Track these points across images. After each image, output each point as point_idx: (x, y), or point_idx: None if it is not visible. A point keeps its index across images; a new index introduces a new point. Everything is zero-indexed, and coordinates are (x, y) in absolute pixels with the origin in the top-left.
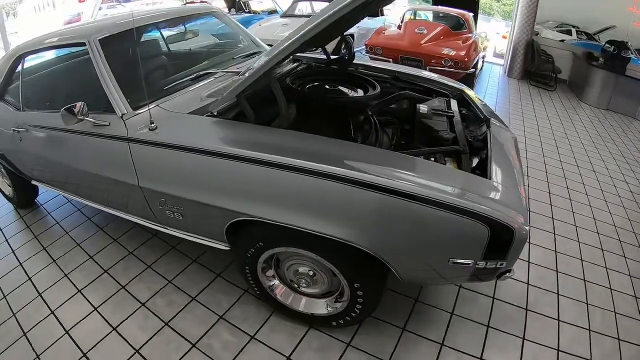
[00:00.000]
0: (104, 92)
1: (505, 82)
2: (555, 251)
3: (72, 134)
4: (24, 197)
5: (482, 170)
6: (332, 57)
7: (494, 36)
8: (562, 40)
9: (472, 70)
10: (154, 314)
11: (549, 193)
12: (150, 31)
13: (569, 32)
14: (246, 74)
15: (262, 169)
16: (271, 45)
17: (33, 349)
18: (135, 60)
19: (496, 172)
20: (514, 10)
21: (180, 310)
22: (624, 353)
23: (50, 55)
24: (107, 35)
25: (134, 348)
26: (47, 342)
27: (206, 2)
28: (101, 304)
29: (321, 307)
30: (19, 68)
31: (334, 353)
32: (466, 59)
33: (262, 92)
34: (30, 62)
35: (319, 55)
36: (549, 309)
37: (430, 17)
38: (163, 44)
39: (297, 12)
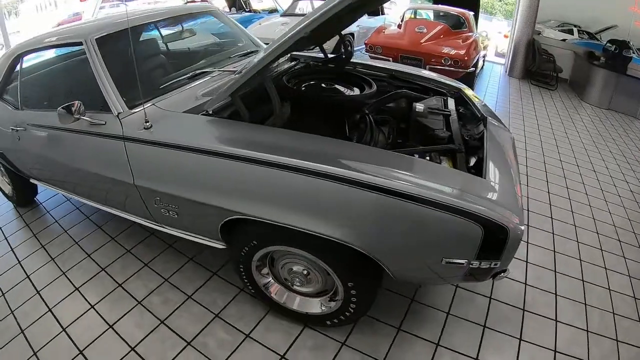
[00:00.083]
0: (100, 91)
1: (506, 82)
2: (554, 251)
3: (70, 133)
4: (23, 196)
5: (478, 170)
6: (330, 55)
7: (496, 35)
8: (564, 40)
9: (472, 69)
10: (150, 312)
11: (549, 193)
12: (151, 30)
13: (570, 32)
14: (241, 73)
15: (257, 167)
16: None
17: (30, 346)
18: (132, 60)
19: (492, 171)
20: (515, 10)
21: (177, 309)
22: (623, 354)
23: (48, 54)
24: (103, 34)
25: (129, 346)
26: (44, 339)
27: (206, 1)
28: (98, 302)
29: (315, 306)
30: (18, 67)
31: (328, 352)
32: (466, 58)
33: (257, 91)
34: (29, 61)
35: (316, 54)
36: (547, 309)
37: (431, 16)
38: (161, 44)
39: (297, 11)
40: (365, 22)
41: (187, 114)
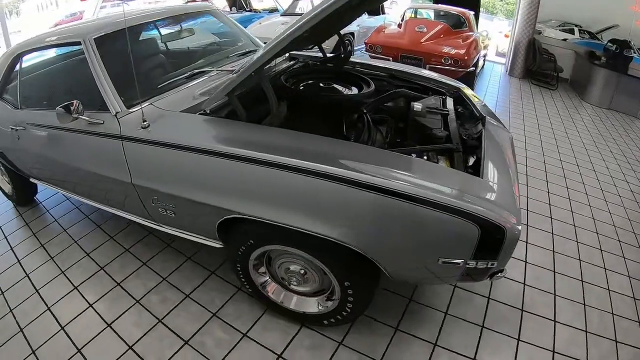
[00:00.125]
0: (99, 90)
1: (506, 81)
2: (553, 251)
3: (68, 132)
4: (23, 195)
5: (476, 169)
6: (329, 55)
7: (497, 35)
8: (565, 39)
9: (472, 69)
10: (148, 310)
11: (548, 192)
12: (150, 30)
13: (571, 31)
14: (238, 72)
15: (253, 167)
16: None
17: (29, 345)
18: (130, 60)
19: (489, 171)
20: (516, 9)
21: (174, 307)
22: (621, 355)
23: (48, 54)
24: (102, 34)
25: (127, 344)
26: (42, 338)
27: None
28: (97, 301)
29: (312, 306)
30: (17, 67)
31: (325, 352)
32: (466, 58)
33: (254, 90)
34: (29, 61)
35: (315, 53)
36: (545, 309)
37: (431, 15)
38: (160, 43)
39: (297, 10)
40: (365, 22)
41: (185, 114)
